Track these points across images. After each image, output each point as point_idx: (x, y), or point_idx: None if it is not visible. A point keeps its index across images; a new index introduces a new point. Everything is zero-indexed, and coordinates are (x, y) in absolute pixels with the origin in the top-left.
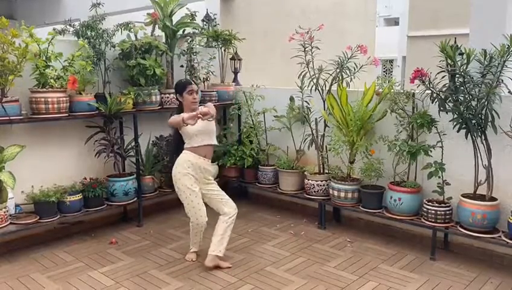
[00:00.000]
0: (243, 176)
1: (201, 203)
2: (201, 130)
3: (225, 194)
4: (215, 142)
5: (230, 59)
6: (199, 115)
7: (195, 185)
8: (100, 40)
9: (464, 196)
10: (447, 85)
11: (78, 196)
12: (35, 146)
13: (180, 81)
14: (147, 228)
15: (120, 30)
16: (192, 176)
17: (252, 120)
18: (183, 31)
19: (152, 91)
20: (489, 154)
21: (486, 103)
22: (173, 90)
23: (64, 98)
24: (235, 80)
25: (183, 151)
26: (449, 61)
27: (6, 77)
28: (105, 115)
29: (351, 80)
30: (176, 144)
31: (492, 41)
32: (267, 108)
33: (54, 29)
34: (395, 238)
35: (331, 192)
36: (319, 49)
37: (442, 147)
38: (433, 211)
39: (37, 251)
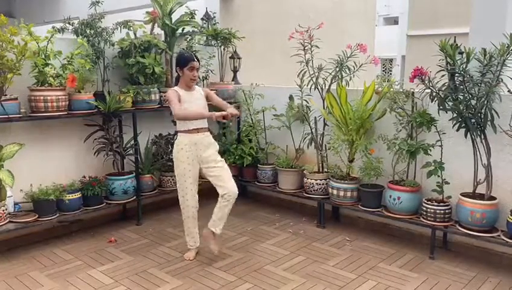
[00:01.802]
0: (242, 174)
1: (189, 187)
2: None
3: (226, 173)
4: (207, 125)
5: (230, 58)
6: (228, 115)
7: (189, 168)
8: (99, 39)
9: (463, 195)
10: (446, 84)
11: (77, 195)
12: (34, 144)
13: (184, 54)
14: (146, 226)
15: (119, 28)
16: (188, 158)
17: (251, 119)
18: (183, 30)
19: (151, 90)
20: (488, 154)
21: (485, 102)
22: None
23: (63, 96)
24: (234, 78)
25: (178, 134)
26: (449, 60)
27: (5, 75)
28: (104, 114)
29: (351, 78)
30: None
31: (492, 40)
32: (267, 107)
33: (53, 27)
34: (394, 237)
35: (330, 191)
36: (318, 48)
37: (441, 146)
38: (432, 210)
39: (36, 249)
